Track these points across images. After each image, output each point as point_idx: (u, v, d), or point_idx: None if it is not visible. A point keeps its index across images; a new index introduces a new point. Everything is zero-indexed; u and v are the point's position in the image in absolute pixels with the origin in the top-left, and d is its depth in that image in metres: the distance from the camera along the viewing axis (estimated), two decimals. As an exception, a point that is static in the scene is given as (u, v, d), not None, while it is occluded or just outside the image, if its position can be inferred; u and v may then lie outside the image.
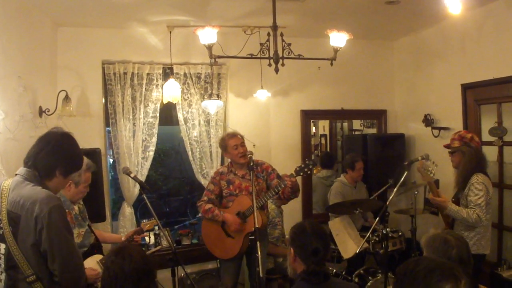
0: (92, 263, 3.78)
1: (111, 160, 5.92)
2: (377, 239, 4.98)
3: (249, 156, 4.40)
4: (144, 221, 4.53)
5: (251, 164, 4.26)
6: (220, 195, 4.78)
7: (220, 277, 4.89)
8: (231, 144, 4.63)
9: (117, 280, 2.37)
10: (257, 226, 3.49)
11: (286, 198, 4.63)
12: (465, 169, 4.12)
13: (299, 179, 4.47)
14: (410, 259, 1.62)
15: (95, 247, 3.97)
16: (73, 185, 3.75)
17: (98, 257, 3.89)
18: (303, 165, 4.28)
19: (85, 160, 3.79)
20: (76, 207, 3.89)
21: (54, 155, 2.64)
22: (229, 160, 4.84)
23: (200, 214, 6.05)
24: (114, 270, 2.40)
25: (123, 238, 4.32)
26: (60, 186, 2.81)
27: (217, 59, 3.76)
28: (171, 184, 9.14)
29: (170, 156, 9.01)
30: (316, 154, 7.37)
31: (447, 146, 4.31)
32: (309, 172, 4.31)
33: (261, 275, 3.21)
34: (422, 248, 2.68)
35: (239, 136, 4.70)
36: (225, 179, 4.74)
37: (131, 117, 5.55)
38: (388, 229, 4.70)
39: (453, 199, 4.20)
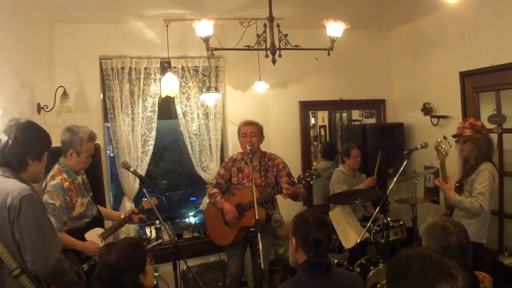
0: (94, 236, 3.86)
1: (111, 155, 5.92)
2: (378, 228, 4.98)
3: (248, 147, 4.42)
4: (145, 199, 4.53)
5: (251, 155, 4.29)
6: (230, 181, 4.85)
7: (227, 264, 4.99)
8: (241, 131, 4.70)
9: (100, 270, 2.47)
10: (257, 218, 3.51)
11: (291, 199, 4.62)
12: (479, 156, 4.09)
13: (298, 170, 4.47)
14: (400, 256, 1.55)
15: (98, 220, 4.07)
16: (75, 154, 3.84)
17: (100, 230, 3.97)
18: (307, 174, 4.28)
19: (88, 130, 3.92)
20: (79, 178, 3.98)
21: (20, 145, 2.67)
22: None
23: (200, 208, 6.14)
24: (99, 262, 2.53)
25: (122, 216, 4.37)
26: (39, 171, 2.83)
27: (214, 52, 3.75)
28: (171, 178, 9.13)
29: (169, 151, 8.98)
30: (316, 146, 7.38)
31: (457, 135, 4.24)
32: (311, 182, 4.33)
33: (262, 266, 3.22)
34: (421, 236, 2.68)
35: (253, 126, 4.71)
36: (237, 166, 4.81)
37: (129, 112, 5.54)
38: (389, 219, 4.71)
39: (457, 184, 4.19)
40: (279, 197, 5.15)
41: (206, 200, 5.88)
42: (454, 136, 4.28)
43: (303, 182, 4.29)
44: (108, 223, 4.41)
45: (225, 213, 4.62)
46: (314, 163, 6.89)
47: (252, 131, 4.65)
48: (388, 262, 1.57)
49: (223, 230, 4.76)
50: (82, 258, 3.68)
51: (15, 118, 2.84)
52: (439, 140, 4.09)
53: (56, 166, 3.86)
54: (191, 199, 7.94)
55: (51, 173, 3.82)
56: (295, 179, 4.31)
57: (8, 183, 2.57)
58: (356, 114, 7.55)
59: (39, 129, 2.86)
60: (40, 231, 2.52)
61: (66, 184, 3.73)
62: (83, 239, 3.77)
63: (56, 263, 2.53)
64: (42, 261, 2.49)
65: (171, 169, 8.89)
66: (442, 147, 4.06)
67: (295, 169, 5.35)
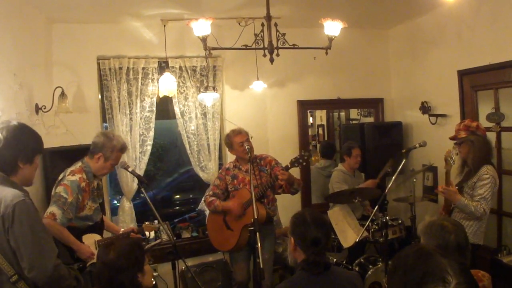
0: (90, 241, 3.88)
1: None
2: (376, 227, 4.99)
3: (247, 147, 4.43)
4: (147, 223, 4.57)
5: (249, 155, 4.29)
6: (227, 190, 4.86)
7: (232, 270, 5.01)
8: (237, 141, 4.67)
9: (99, 269, 2.49)
10: (255, 217, 3.52)
11: (287, 191, 4.63)
12: (476, 158, 4.11)
13: (297, 170, 4.47)
14: (402, 252, 1.53)
15: (99, 227, 4.09)
16: (103, 159, 3.92)
17: (97, 237, 3.98)
18: (298, 157, 4.32)
19: (122, 140, 4.05)
20: (95, 182, 4.02)
21: (10, 149, 2.61)
22: (230, 154, 4.90)
23: (198, 208, 6.13)
24: (98, 261, 2.55)
25: (120, 231, 4.37)
26: (30, 174, 2.78)
27: (212, 52, 3.75)
28: (169, 178, 9.13)
29: (168, 151, 8.98)
30: (314, 145, 7.38)
31: (453, 138, 4.28)
32: (304, 163, 4.34)
33: (261, 266, 3.22)
34: (419, 235, 2.68)
35: (244, 133, 4.73)
36: (230, 174, 4.82)
37: (127, 112, 5.54)
38: (387, 217, 4.71)
39: (456, 187, 4.20)
40: (279, 199, 5.18)
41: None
42: (451, 139, 4.30)
43: (296, 165, 4.33)
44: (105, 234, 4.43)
45: (231, 210, 4.63)
46: (313, 161, 6.88)
47: (246, 138, 4.70)
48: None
49: (226, 234, 4.74)
50: (74, 258, 3.68)
51: (6, 120, 2.78)
52: (449, 150, 4.11)
53: (79, 164, 3.91)
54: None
55: (72, 168, 3.87)
56: (288, 164, 4.35)
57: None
58: (354, 113, 7.56)
59: (30, 132, 2.80)
60: (36, 237, 2.50)
61: (83, 184, 3.78)
62: (80, 240, 3.77)
63: (53, 270, 2.51)
64: (39, 268, 2.47)
65: (169, 169, 8.90)
66: (451, 158, 4.08)
67: (293, 168, 5.34)
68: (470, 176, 4.14)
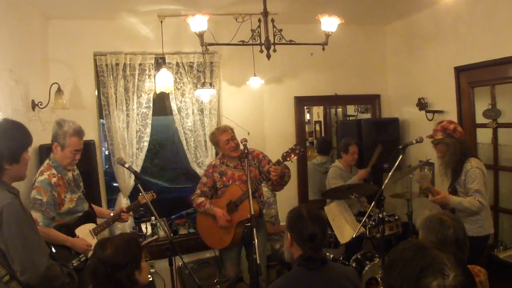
0: (85, 232, 3.82)
1: (107, 152, 5.91)
2: (373, 223, 4.99)
3: (243, 143, 4.42)
4: (140, 194, 4.47)
5: (246, 151, 4.28)
6: (214, 187, 4.84)
7: (223, 267, 4.97)
8: (223, 139, 4.68)
9: (95, 265, 2.42)
10: (252, 213, 3.52)
11: (278, 184, 4.63)
12: (451, 160, 4.14)
13: (293, 166, 4.47)
14: (398, 247, 1.53)
15: (90, 215, 4.02)
16: (59, 147, 3.77)
17: (91, 226, 3.93)
18: (289, 151, 4.29)
19: (73, 125, 3.80)
20: (69, 174, 3.92)
21: None
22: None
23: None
24: (94, 257, 2.46)
25: (111, 214, 4.31)
26: (21, 171, 2.69)
27: (209, 47, 3.75)
28: (167, 174, 9.14)
29: (165, 147, 8.98)
30: (311, 141, 7.37)
31: (430, 137, 4.31)
32: (296, 157, 4.32)
33: (258, 261, 3.22)
34: (417, 229, 2.68)
35: (229, 130, 4.74)
36: (218, 171, 4.80)
37: (124, 108, 5.53)
38: (384, 213, 4.71)
39: (449, 189, 4.21)
40: (278, 195, 5.17)
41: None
42: (428, 137, 4.34)
43: (288, 159, 4.32)
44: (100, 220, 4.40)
45: (218, 219, 4.63)
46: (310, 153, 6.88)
47: (232, 135, 4.72)
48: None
49: (220, 233, 4.72)
50: (72, 254, 3.66)
51: None
52: (418, 175, 4.17)
53: (46, 161, 3.84)
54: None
55: (41, 168, 3.80)
56: (280, 158, 4.33)
57: None
58: (351, 109, 7.55)
59: (9, 131, 2.63)
60: (25, 240, 2.47)
61: (54, 180, 3.69)
62: (73, 235, 3.74)
63: (45, 271, 2.48)
64: (31, 270, 2.45)
65: (166, 166, 8.90)
66: (423, 178, 4.10)
67: (290, 164, 5.34)
68: (457, 175, 4.14)
